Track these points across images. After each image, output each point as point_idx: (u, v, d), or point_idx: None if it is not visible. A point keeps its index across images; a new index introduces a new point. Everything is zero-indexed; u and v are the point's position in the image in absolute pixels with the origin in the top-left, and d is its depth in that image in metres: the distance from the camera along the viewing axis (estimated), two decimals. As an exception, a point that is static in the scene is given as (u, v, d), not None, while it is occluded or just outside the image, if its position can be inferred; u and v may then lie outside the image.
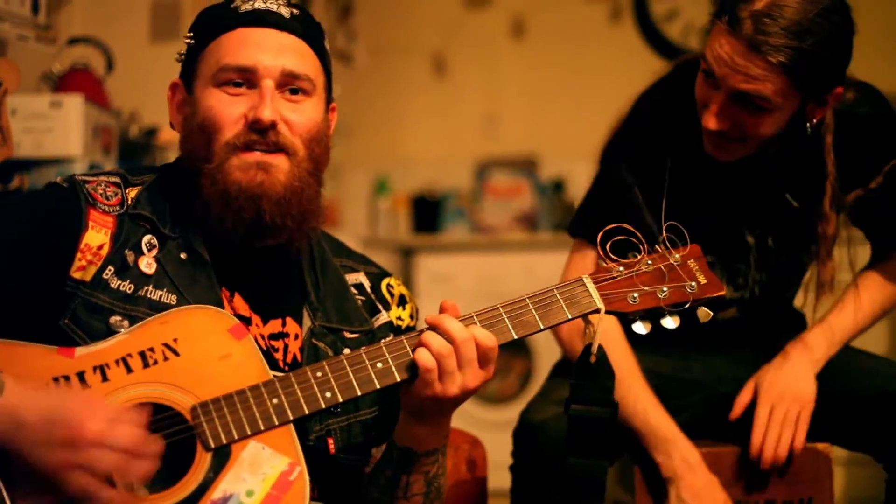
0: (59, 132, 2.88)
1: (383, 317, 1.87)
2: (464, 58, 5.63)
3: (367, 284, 1.89)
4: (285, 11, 1.73)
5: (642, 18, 5.42)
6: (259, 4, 1.73)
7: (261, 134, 1.68)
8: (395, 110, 5.55)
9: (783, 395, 2.15)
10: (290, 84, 1.71)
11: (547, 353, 4.73)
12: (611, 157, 2.26)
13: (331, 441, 1.73)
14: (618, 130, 2.27)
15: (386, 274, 1.93)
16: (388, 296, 1.90)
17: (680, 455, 2.14)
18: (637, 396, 2.15)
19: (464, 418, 4.41)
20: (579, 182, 5.27)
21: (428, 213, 5.51)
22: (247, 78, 1.69)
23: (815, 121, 2.07)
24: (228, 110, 1.69)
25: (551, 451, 2.02)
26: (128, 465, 1.44)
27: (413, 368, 1.61)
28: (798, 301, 2.32)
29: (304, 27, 1.75)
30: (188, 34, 1.77)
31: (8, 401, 1.44)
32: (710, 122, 2.03)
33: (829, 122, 2.12)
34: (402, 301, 1.91)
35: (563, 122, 5.45)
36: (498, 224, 5.41)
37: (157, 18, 4.02)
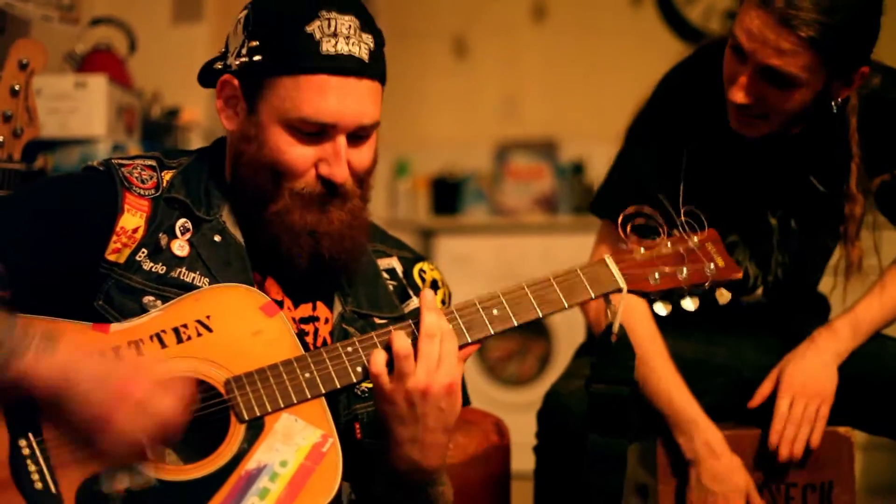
0: (84, 112, 2.90)
1: (414, 302, 1.88)
2: (485, 41, 5.62)
3: (399, 270, 1.90)
4: (364, 51, 1.68)
5: (663, 1, 5.39)
6: (342, 47, 1.65)
7: (330, 188, 1.69)
8: (416, 92, 5.55)
9: (804, 389, 2.16)
10: (360, 133, 1.71)
11: (566, 336, 4.74)
12: (634, 139, 2.26)
13: (357, 426, 1.75)
14: (641, 112, 2.27)
15: (419, 258, 1.94)
16: (419, 281, 1.91)
17: (702, 437, 2.14)
18: (661, 377, 2.16)
19: (483, 400, 4.43)
20: (599, 165, 5.25)
21: (448, 194, 5.52)
22: (322, 129, 1.67)
23: (839, 100, 2.07)
24: (301, 159, 1.68)
25: (576, 430, 2.03)
26: (162, 433, 1.47)
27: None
28: (826, 285, 2.32)
29: (378, 63, 1.71)
30: (254, 42, 1.69)
31: (61, 357, 1.46)
32: (737, 96, 2.03)
33: (854, 104, 2.12)
34: (433, 286, 1.92)
35: (584, 104, 5.44)
36: (518, 206, 5.41)
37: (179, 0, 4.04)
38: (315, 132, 1.67)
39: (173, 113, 3.52)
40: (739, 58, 2.01)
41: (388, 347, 1.63)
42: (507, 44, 5.61)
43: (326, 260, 1.72)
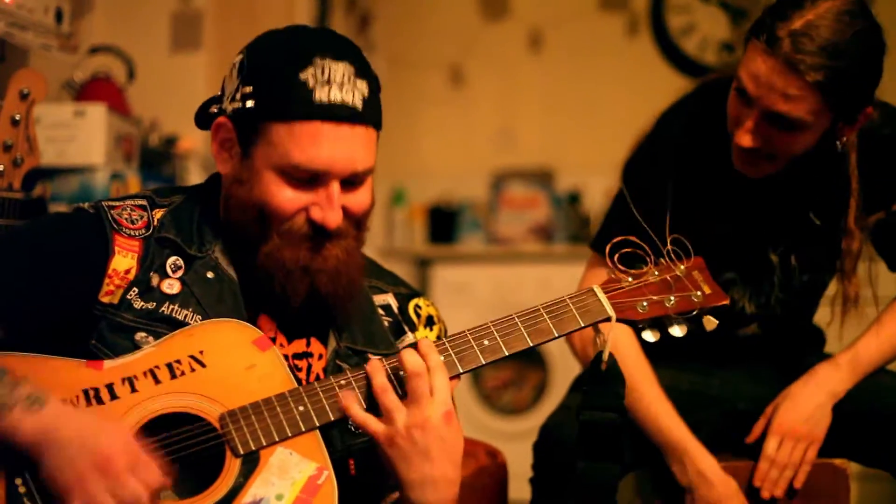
0: (82, 141, 2.91)
1: (409, 338, 1.88)
2: (481, 70, 5.64)
3: (394, 306, 1.90)
4: (358, 98, 1.67)
5: (659, 32, 5.42)
6: (335, 94, 1.65)
7: (318, 231, 1.70)
8: (412, 121, 5.56)
9: (793, 431, 2.17)
10: (353, 179, 1.71)
11: (561, 365, 4.74)
12: (631, 177, 2.27)
13: (352, 462, 1.75)
14: (639, 149, 2.27)
15: (415, 294, 1.95)
16: (414, 317, 1.91)
17: (695, 466, 2.15)
18: (650, 404, 2.16)
19: (478, 429, 4.43)
20: (595, 195, 5.28)
21: (444, 223, 5.52)
22: (315, 176, 1.68)
23: (844, 139, 2.08)
24: (291, 203, 1.68)
25: (570, 461, 2.03)
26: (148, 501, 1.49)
27: None
28: (824, 317, 2.32)
29: (373, 109, 1.71)
30: (248, 88, 1.69)
31: (48, 415, 1.49)
32: (744, 139, 2.03)
33: (853, 141, 2.13)
34: (429, 322, 1.92)
35: (580, 134, 5.46)
36: (513, 235, 5.42)
37: (178, 28, 4.05)
38: (307, 178, 1.67)
39: (171, 141, 3.53)
40: (745, 101, 2.02)
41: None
42: (504, 73, 5.63)
43: (323, 296, 1.72)
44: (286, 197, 1.68)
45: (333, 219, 1.68)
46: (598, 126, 5.30)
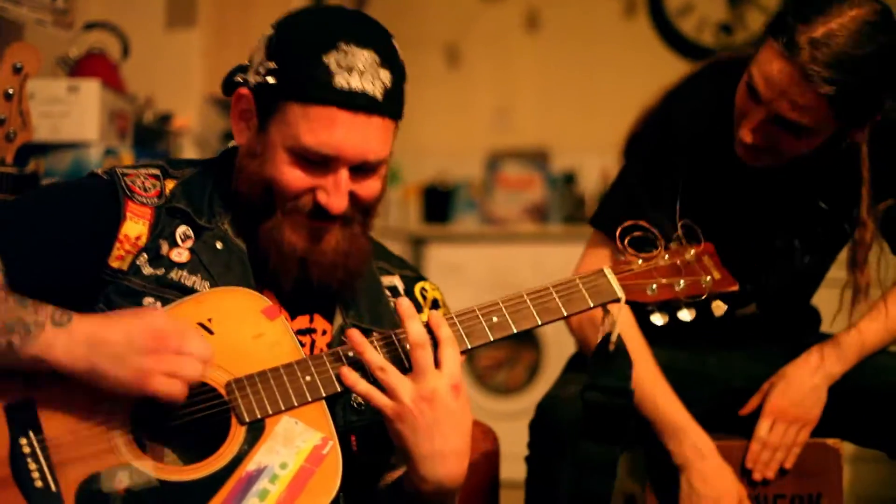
0: (76, 117, 2.90)
1: None
2: (477, 50, 5.63)
3: (401, 287, 1.90)
4: (379, 88, 1.67)
5: (656, 13, 5.41)
6: (356, 82, 1.64)
7: (321, 214, 1.69)
8: (408, 101, 5.50)
9: (786, 414, 2.17)
10: (364, 168, 1.70)
11: (555, 345, 4.75)
12: (634, 152, 2.26)
13: (353, 439, 1.75)
14: (643, 127, 2.26)
15: (421, 278, 1.95)
16: (421, 299, 1.91)
17: (691, 442, 2.15)
18: (646, 382, 2.15)
19: (472, 408, 4.41)
20: (590, 175, 5.28)
21: (439, 203, 5.52)
22: (324, 160, 1.67)
23: (849, 140, 2.08)
24: (299, 183, 1.68)
25: (567, 439, 2.04)
26: (200, 372, 1.55)
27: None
28: (826, 300, 2.31)
29: (393, 100, 1.70)
30: (272, 63, 1.68)
31: (79, 326, 1.52)
32: (746, 135, 2.03)
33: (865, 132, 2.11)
34: (434, 305, 1.92)
35: (576, 115, 5.46)
36: (508, 215, 5.42)
37: (173, 5, 4.04)
38: (317, 161, 1.67)
39: (165, 118, 3.53)
40: (754, 98, 2.01)
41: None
42: (500, 53, 5.62)
43: (314, 285, 1.73)
44: (295, 176, 1.68)
45: (338, 204, 1.68)
46: (594, 107, 5.30)
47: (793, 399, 2.17)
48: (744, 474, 2.20)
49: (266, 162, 1.69)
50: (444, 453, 1.63)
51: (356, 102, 1.65)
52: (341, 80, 1.64)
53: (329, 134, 1.65)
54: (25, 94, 2.22)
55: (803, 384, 2.18)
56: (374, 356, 1.63)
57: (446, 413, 1.61)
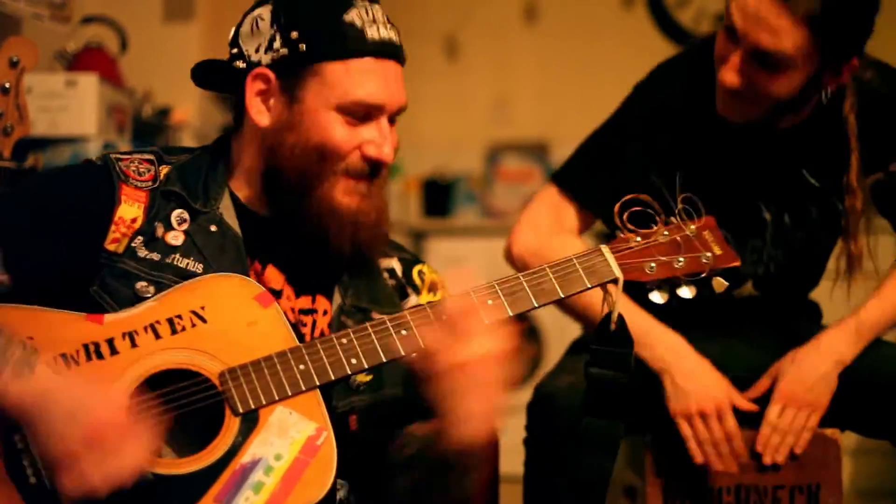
0: (74, 111, 2.90)
1: (413, 299, 1.88)
2: (476, 42, 5.62)
3: (398, 269, 1.90)
4: (397, 36, 1.77)
5: (655, 4, 5.41)
6: (383, 32, 1.74)
7: (375, 168, 1.74)
8: (407, 93, 5.53)
9: (797, 399, 2.16)
10: (394, 117, 1.78)
11: (556, 339, 4.74)
12: (621, 124, 2.26)
13: (353, 419, 1.74)
14: (630, 99, 2.27)
15: (418, 261, 1.95)
16: (419, 281, 1.91)
17: (664, 344, 2.14)
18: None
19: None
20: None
21: (439, 196, 5.52)
22: (369, 112, 1.73)
23: (829, 90, 2.07)
24: (350, 140, 1.72)
25: (565, 420, 2.03)
26: (121, 483, 1.47)
27: None
28: (824, 288, 2.31)
29: (403, 50, 1.80)
30: (294, 33, 1.71)
31: (37, 384, 1.49)
32: (727, 76, 2.03)
33: (851, 100, 2.12)
34: (432, 287, 1.92)
35: (575, 107, 5.43)
36: (508, 208, 5.41)
37: (171, -1, 4.04)
38: (363, 115, 1.72)
39: (164, 112, 3.52)
40: (731, 38, 2.02)
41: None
42: (499, 45, 5.61)
43: (362, 249, 1.76)
44: (345, 134, 1.72)
45: (389, 153, 1.74)
46: (593, 99, 5.22)
47: (804, 384, 2.16)
48: (746, 463, 2.19)
49: (311, 128, 1.72)
50: (477, 415, 1.59)
51: (388, 51, 1.74)
52: (372, 32, 1.72)
53: (374, 84, 1.72)
54: (22, 89, 2.22)
55: (814, 369, 2.17)
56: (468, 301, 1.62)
57: (489, 380, 1.58)
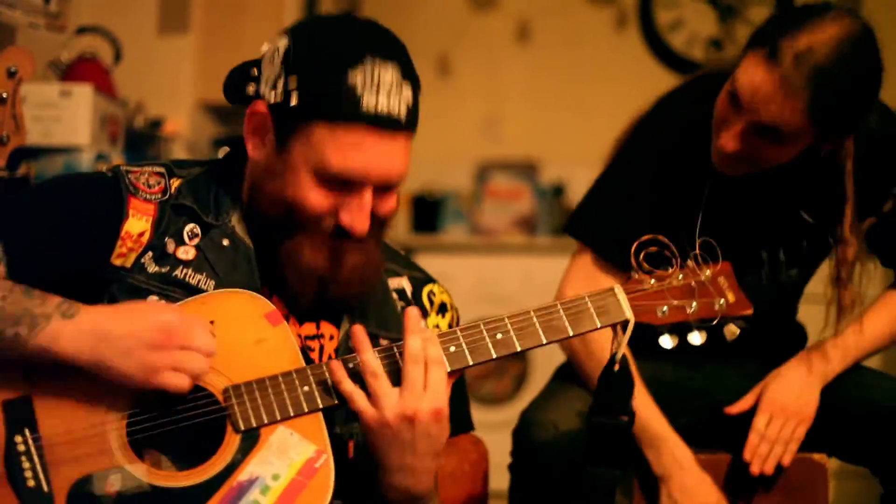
0: (68, 121, 2.89)
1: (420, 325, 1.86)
2: (468, 60, 5.63)
3: (408, 290, 1.88)
4: (403, 107, 1.65)
5: (647, 27, 5.43)
6: (382, 103, 1.62)
7: (346, 235, 1.67)
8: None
9: (784, 409, 2.17)
10: (386, 187, 1.69)
11: (542, 357, 4.73)
12: (624, 168, 2.27)
13: (351, 444, 1.74)
14: (630, 140, 2.27)
15: (430, 280, 1.92)
16: (427, 304, 1.89)
17: (670, 453, 2.15)
18: None
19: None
20: (579, 187, 5.21)
21: (427, 213, 5.51)
22: (349, 182, 1.65)
23: (826, 152, 2.09)
24: (322, 204, 1.65)
25: (552, 451, 2.05)
26: (205, 366, 1.56)
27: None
28: (818, 322, 2.32)
29: (413, 115, 1.68)
30: (293, 79, 1.64)
31: (87, 317, 1.53)
32: (728, 143, 2.04)
33: (848, 148, 2.13)
34: (441, 309, 1.91)
35: (565, 126, 5.46)
36: (497, 226, 5.42)
37: (165, 10, 4.04)
38: (342, 182, 1.65)
39: (157, 124, 3.52)
40: (735, 105, 2.03)
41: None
42: (490, 64, 5.62)
43: (333, 301, 1.73)
44: (318, 199, 1.65)
45: (361, 226, 1.66)
46: (584, 119, 5.30)
47: (789, 395, 2.18)
48: (727, 488, 2.20)
49: (288, 183, 1.66)
50: (414, 468, 1.63)
51: (383, 123, 1.63)
52: (369, 101, 1.61)
53: (356, 156, 1.63)
54: (19, 99, 2.22)
55: (799, 382, 2.19)
56: (371, 359, 1.61)
57: (424, 436, 1.60)
